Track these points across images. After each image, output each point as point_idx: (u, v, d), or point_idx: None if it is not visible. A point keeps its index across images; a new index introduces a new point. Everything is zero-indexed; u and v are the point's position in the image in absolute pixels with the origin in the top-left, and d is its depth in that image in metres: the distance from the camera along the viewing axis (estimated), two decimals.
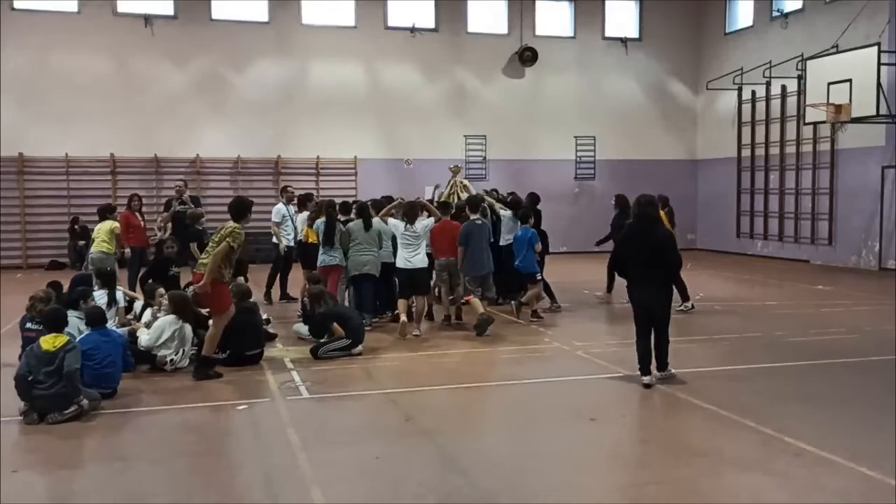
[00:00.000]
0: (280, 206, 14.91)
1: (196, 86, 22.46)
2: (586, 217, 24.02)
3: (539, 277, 13.00)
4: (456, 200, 14.08)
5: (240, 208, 9.34)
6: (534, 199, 14.08)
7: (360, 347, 10.27)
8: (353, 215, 12.63)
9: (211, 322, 9.36)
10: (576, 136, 25.44)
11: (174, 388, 8.69)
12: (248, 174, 22.95)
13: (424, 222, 11.88)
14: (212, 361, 9.18)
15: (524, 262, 12.75)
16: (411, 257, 11.65)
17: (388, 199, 13.55)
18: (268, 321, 11.39)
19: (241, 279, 11.41)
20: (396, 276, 12.17)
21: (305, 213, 13.66)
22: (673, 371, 8.82)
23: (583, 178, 25.63)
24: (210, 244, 9.19)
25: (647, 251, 8.51)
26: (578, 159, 25.63)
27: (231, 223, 9.18)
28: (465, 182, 15.20)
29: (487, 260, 12.08)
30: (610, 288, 14.55)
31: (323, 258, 12.24)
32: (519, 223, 12.98)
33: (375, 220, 12.27)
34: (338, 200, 13.79)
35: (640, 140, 25.84)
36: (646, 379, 8.63)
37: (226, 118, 22.61)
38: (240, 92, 22.81)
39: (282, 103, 23.00)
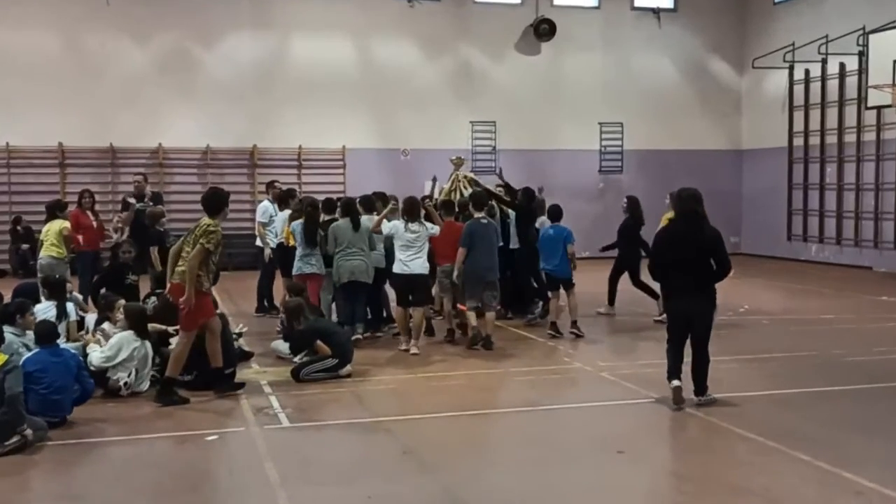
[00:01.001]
0: (266, 203, 14.92)
1: (159, 65, 22.47)
2: (612, 216, 23.82)
3: (574, 282, 13.01)
4: (459, 198, 14.07)
5: (214, 201, 9.35)
6: (529, 195, 14.11)
7: (348, 368, 10.27)
8: (338, 214, 12.64)
9: (177, 338, 9.34)
10: (600, 123, 25.43)
11: (132, 416, 8.68)
12: (220, 167, 22.95)
13: (429, 227, 11.88)
14: (177, 384, 9.18)
15: (560, 266, 12.70)
16: (409, 261, 11.62)
17: (381, 197, 13.55)
18: (239, 335, 11.38)
19: None
20: (392, 283, 12.16)
21: (286, 212, 13.67)
22: (714, 396, 8.81)
23: (608, 171, 25.63)
24: (184, 247, 9.17)
25: (692, 254, 8.55)
26: (603, 150, 25.63)
27: (205, 220, 9.18)
28: (471, 175, 15.19)
29: (494, 266, 12.09)
30: (612, 300, 14.59)
31: (299, 265, 12.27)
32: (543, 221, 12.96)
33: (364, 219, 12.28)
34: (322, 197, 13.79)
35: (675, 127, 25.81)
36: (675, 383, 8.65)
37: (193, 102, 22.62)
38: (210, 72, 22.83)
39: (259, 85, 23.01)
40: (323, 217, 12.71)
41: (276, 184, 15.78)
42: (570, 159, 24.88)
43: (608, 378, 10.23)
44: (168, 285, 9.31)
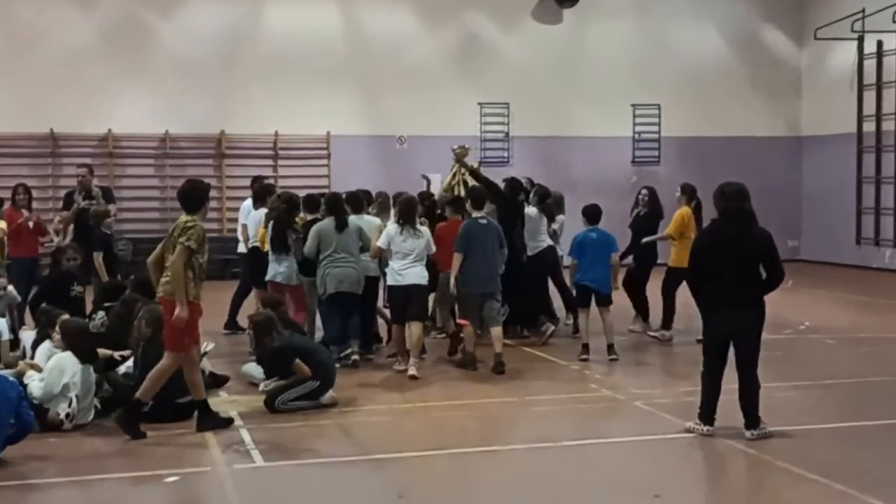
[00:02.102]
0: (250, 202, 14.97)
1: (106, 37, 22.49)
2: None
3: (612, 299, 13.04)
4: (463, 192, 14.11)
5: (193, 196, 9.39)
6: (515, 186, 14.08)
7: (331, 394, 10.25)
8: (321, 214, 12.69)
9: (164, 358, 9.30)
10: (633, 105, 25.46)
11: (77, 453, 8.69)
12: (181, 157, 22.99)
13: (426, 234, 11.95)
14: (142, 410, 9.20)
15: (606, 279, 12.70)
16: (404, 270, 11.67)
17: (366, 195, 13.55)
18: (202, 355, 11.37)
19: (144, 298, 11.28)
20: (387, 296, 12.17)
21: (262, 211, 13.69)
22: (768, 429, 8.83)
23: (643, 161, 25.64)
24: (165, 254, 9.17)
25: (741, 260, 8.63)
26: (637, 137, 25.66)
27: (182, 217, 9.23)
28: (476, 167, 15.13)
29: (493, 274, 12.09)
30: (645, 315, 14.60)
31: (273, 270, 12.41)
32: (586, 223, 12.91)
33: (353, 219, 12.31)
34: (302, 193, 13.82)
35: (723, 110, 25.79)
36: (706, 429, 8.81)
37: (148, 81, 22.64)
38: (167, 45, 22.85)
39: (226, 61, 23.03)
40: (305, 217, 12.73)
41: (262, 179, 15.82)
42: (597, 148, 24.88)
43: (643, 408, 10.25)
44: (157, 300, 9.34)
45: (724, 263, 8.68)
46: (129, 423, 9.05)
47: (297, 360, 10.20)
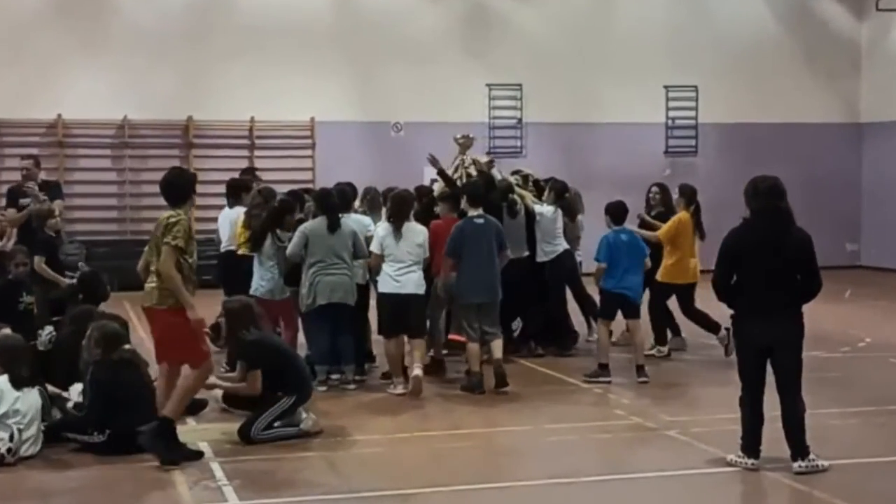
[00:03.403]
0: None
1: (56, 7, 22.54)
2: None
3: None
4: None
5: (178, 186, 9.43)
6: (488, 181, 14.05)
7: (313, 418, 10.22)
8: (304, 213, 12.73)
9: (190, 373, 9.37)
10: (666, 87, 25.45)
11: (22, 490, 8.69)
12: (142, 146, 23.02)
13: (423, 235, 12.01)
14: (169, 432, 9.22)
15: (638, 287, 12.77)
16: (400, 275, 11.72)
17: (352, 188, 13.58)
18: None
19: (98, 311, 11.29)
20: (378, 305, 12.19)
21: (238, 210, 13.68)
22: (820, 461, 8.83)
23: (678, 152, 25.64)
24: (150, 259, 9.22)
25: (777, 263, 8.67)
26: (671, 123, 25.67)
27: (165, 213, 9.25)
28: (480, 160, 15.15)
29: (492, 282, 12.10)
30: (676, 329, 14.65)
31: (254, 283, 12.40)
32: (610, 223, 12.95)
33: (346, 219, 12.34)
34: (283, 188, 13.85)
35: (769, 94, 25.77)
36: (750, 462, 8.82)
37: (105, 59, 22.64)
38: (128, 16, 22.86)
39: (195, 35, 23.06)
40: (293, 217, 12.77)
41: (257, 172, 15.87)
42: (623, 136, 24.90)
43: (677, 438, 10.24)
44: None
45: (758, 269, 8.73)
46: (165, 447, 9.07)
47: (257, 371, 10.13)
